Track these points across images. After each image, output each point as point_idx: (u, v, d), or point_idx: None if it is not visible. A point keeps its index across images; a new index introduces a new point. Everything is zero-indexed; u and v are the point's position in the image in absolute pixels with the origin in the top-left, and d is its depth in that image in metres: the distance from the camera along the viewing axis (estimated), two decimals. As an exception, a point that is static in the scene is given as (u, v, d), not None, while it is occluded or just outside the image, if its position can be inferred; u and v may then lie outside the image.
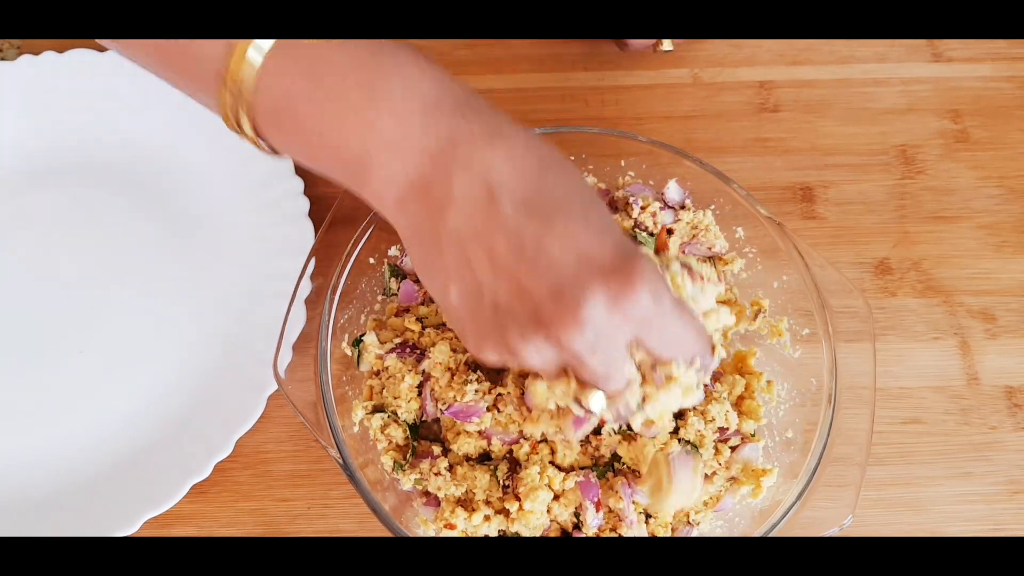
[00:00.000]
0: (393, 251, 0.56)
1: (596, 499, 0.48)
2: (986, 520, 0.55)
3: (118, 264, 0.62)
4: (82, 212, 0.64)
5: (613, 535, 0.49)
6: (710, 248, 0.57)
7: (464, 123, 0.39)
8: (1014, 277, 0.62)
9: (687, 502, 0.49)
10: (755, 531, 0.48)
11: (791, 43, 0.71)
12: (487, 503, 0.48)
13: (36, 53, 0.68)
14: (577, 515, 0.49)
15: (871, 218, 0.65)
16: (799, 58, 0.71)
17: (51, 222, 0.64)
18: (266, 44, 0.38)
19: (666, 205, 0.57)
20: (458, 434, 0.50)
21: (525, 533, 0.48)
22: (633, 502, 0.48)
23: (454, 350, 0.50)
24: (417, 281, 0.56)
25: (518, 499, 0.47)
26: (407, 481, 0.50)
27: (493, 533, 0.48)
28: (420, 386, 0.51)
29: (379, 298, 0.57)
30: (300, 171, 0.63)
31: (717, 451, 0.50)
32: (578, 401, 0.42)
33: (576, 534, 0.49)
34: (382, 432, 0.51)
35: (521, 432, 0.49)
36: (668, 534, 0.49)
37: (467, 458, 0.50)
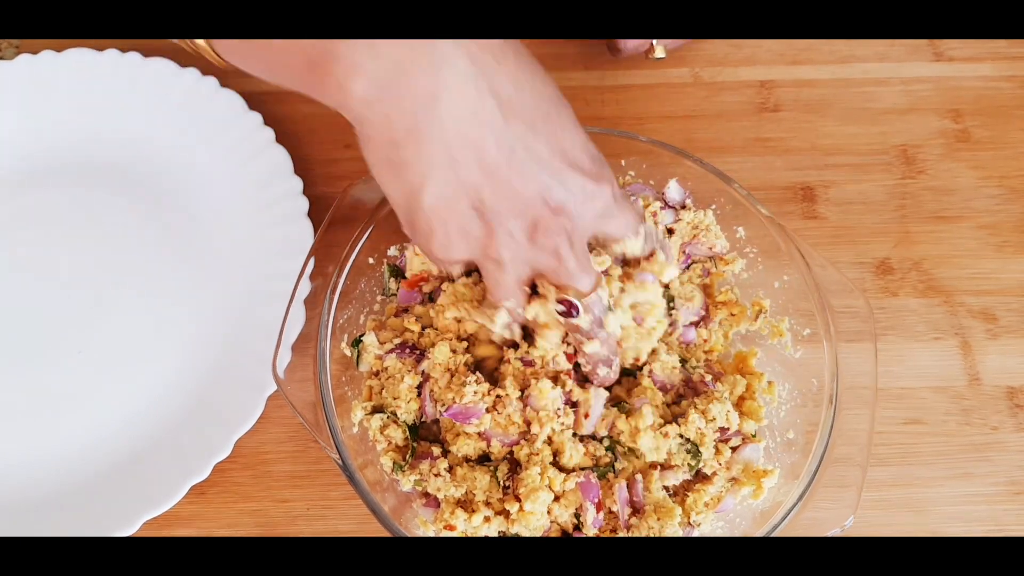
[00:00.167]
0: (393, 251, 0.56)
1: (596, 500, 0.48)
2: (987, 521, 0.55)
3: (118, 264, 0.62)
4: (82, 212, 0.64)
5: (613, 536, 0.49)
6: (711, 248, 0.57)
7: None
8: (1015, 277, 0.62)
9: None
10: (756, 532, 0.48)
11: (791, 43, 0.71)
12: (487, 504, 0.48)
13: (35, 52, 0.68)
14: (577, 516, 0.49)
15: (872, 218, 0.64)
16: (799, 58, 0.71)
17: (51, 222, 0.64)
18: None
19: (667, 205, 0.57)
20: (457, 435, 0.50)
21: (525, 534, 0.48)
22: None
23: (453, 351, 0.50)
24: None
25: (518, 500, 0.47)
26: (407, 482, 0.50)
27: (493, 534, 0.48)
28: (419, 387, 0.51)
29: (378, 298, 0.56)
30: (300, 171, 0.62)
31: (718, 451, 0.50)
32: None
33: (576, 535, 0.49)
34: (381, 433, 0.50)
35: (521, 433, 0.49)
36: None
37: (466, 459, 0.50)
